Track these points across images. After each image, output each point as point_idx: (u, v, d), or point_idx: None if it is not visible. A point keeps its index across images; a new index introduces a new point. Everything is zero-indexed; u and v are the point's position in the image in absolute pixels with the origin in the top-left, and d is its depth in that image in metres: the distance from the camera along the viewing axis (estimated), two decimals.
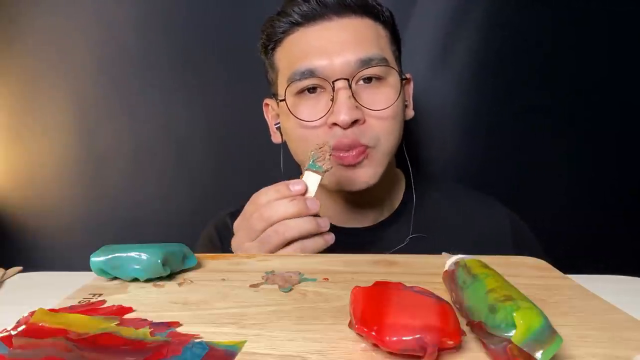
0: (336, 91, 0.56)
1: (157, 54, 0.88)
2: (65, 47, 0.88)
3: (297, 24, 0.59)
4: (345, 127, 0.56)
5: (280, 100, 0.61)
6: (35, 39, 0.88)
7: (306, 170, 0.53)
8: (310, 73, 0.57)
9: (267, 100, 0.69)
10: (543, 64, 0.83)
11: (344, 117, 0.55)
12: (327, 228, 0.50)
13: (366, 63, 0.57)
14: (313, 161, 0.52)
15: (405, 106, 0.66)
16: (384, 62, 0.59)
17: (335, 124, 0.57)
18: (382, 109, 0.58)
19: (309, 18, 0.59)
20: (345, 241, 0.64)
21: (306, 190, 0.51)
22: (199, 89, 0.88)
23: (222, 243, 0.68)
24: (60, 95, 0.89)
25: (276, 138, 0.68)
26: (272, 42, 0.62)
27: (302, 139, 0.60)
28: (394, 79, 0.60)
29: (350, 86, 0.56)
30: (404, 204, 0.68)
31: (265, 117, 0.69)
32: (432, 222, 0.66)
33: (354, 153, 0.57)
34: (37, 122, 0.90)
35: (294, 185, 0.50)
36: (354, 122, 0.57)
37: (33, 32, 0.88)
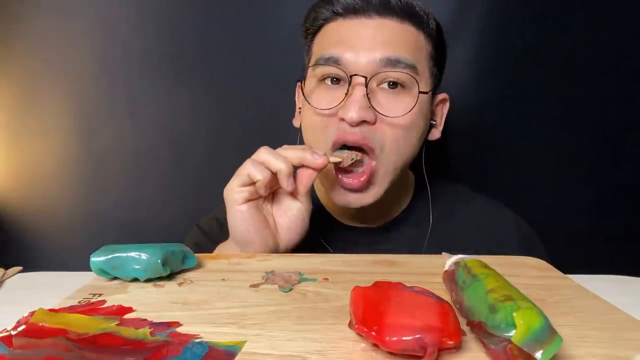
0: (352, 86, 0.56)
1: (158, 53, 0.87)
2: (65, 47, 0.88)
3: (338, 14, 0.59)
4: (352, 125, 0.55)
5: (298, 81, 0.61)
6: (35, 39, 0.88)
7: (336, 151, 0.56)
8: (335, 61, 0.57)
9: (300, 83, 0.68)
10: (544, 68, 0.83)
11: (352, 114, 0.54)
12: (290, 187, 0.51)
13: (392, 64, 0.55)
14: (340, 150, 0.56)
15: (432, 125, 0.64)
16: (411, 69, 0.56)
17: (343, 119, 0.56)
18: (395, 117, 0.56)
19: (350, 11, 0.58)
20: (356, 240, 0.65)
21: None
22: (199, 90, 0.88)
23: (221, 228, 0.66)
24: (61, 95, 0.89)
25: (296, 122, 0.68)
26: (313, 28, 0.62)
27: (312, 125, 0.60)
28: (418, 90, 0.58)
29: (367, 85, 0.55)
30: (412, 206, 0.68)
31: (296, 99, 0.69)
32: (437, 225, 0.66)
33: (360, 180, 0.57)
34: (37, 122, 0.90)
35: (317, 155, 0.52)
36: (363, 122, 0.56)
37: (33, 32, 0.87)
